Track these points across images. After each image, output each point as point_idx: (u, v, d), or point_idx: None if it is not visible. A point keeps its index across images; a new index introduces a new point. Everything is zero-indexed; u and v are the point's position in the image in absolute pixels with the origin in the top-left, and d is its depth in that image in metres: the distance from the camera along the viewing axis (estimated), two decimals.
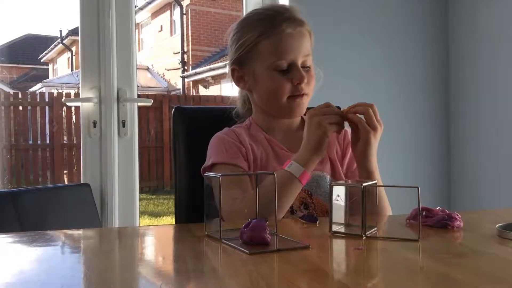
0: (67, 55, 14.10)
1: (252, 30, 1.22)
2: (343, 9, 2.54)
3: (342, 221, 0.91)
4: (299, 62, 1.21)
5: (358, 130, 1.11)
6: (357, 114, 1.11)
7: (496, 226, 0.85)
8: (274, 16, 1.22)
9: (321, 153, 1.09)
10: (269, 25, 1.21)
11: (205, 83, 12.44)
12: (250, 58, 1.24)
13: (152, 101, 2.42)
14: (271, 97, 1.23)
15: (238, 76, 1.28)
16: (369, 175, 1.12)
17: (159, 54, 13.95)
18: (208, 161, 1.20)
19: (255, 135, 1.27)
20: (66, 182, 6.58)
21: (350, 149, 1.30)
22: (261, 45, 1.21)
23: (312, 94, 1.27)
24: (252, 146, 1.24)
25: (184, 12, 12.96)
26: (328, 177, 1.25)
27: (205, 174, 0.89)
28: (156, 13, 14.22)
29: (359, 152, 1.12)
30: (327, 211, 1.20)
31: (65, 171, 6.75)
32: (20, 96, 7.07)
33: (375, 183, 0.90)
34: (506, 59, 2.45)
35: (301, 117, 1.35)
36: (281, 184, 1.01)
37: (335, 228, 0.87)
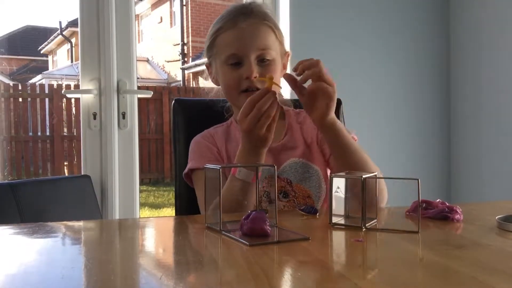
0: (66, 46, 14.07)
1: (214, 26, 1.26)
2: (343, 7, 2.53)
3: (342, 212, 0.91)
4: (252, 55, 1.19)
5: (311, 93, 1.03)
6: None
7: (496, 218, 0.85)
8: (232, 12, 1.24)
9: (263, 150, 1.07)
10: (226, 20, 1.23)
11: (205, 74, 12.40)
12: (213, 53, 1.27)
13: (152, 93, 2.42)
14: (227, 92, 1.26)
15: (209, 72, 1.32)
16: (336, 131, 1.07)
17: (159, 45, 13.91)
18: (187, 166, 1.25)
19: (233, 133, 1.29)
20: (66, 174, 6.59)
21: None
22: (218, 40, 1.24)
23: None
24: (226, 146, 1.26)
25: (184, 3, 12.91)
26: (309, 163, 1.25)
27: (205, 166, 0.88)
28: (156, 4, 14.16)
29: (321, 112, 1.04)
30: (309, 196, 1.21)
31: (65, 163, 6.76)
32: (20, 88, 7.06)
33: (375, 174, 0.90)
34: (507, 56, 2.44)
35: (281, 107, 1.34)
36: (237, 191, 1.04)
37: (335, 220, 0.87)
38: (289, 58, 1.33)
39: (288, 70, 1.32)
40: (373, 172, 1.09)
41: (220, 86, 1.29)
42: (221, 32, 1.23)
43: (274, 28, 1.24)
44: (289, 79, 1.05)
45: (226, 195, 1.02)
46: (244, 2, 1.30)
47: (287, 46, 1.33)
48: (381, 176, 1.12)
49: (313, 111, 1.06)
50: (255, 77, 1.19)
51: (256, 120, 1.00)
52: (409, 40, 2.68)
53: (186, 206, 1.34)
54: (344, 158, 1.10)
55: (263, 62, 1.21)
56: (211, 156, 1.24)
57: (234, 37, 1.21)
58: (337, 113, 1.53)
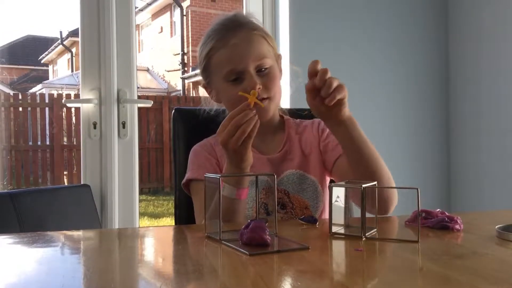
0: (67, 56, 14.10)
1: (205, 46, 1.25)
2: (342, 10, 2.54)
3: (342, 222, 0.92)
4: (251, 67, 1.19)
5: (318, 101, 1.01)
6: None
7: (496, 227, 0.85)
8: (220, 30, 1.24)
9: (243, 165, 1.04)
10: (217, 39, 1.23)
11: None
12: (209, 73, 1.27)
13: (152, 102, 2.43)
14: (232, 108, 1.24)
15: (208, 92, 1.32)
16: (354, 123, 1.07)
17: (159, 55, 13.95)
18: (186, 177, 1.25)
19: None
20: (66, 183, 6.58)
21: (326, 131, 1.29)
22: (213, 60, 1.24)
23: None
24: (223, 156, 1.25)
25: (184, 13, 12.97)
26: (307, 174, 1.25)
27: (205, 175, 0.89)
28: (156, 14, 14.23)
29: (340, 107, 1.03)
30: (307, 207, 1.22)
31: (65, 172, 6.75)
32: (20, 97, 7.08)
33: (375, 184, 0.90)
34: (507, 57, 2.45)
35: (281, 116, 1.35)
36: (224, 209, 0.99)
37: (334, 229, 0.87)
38: (281, 60, 1.32)
39: (286, 73, 1.32)
40: (385, 172, 1.12)
41: (222, 104, 1.29)
42: (214, 52, 1.23)
43: (265, 35, 1.25)
44: (311, 90, 1.01)
45: (214, 212, 1.02)
46: (226, 14, 1.29)
47: (286, 51, 1.34)
48: (389, 181, 1.12)
49: (331, 109, 1.02)
50: (259, 88, 1.18)
51: (231, 134, 1.00)
52: (407, 41, 2.69)
53: (185, 216, 1.34)
54: (361, 151, 1.08)
55: (262, 71, 1.21)
56: (209, 167, 1.24)
57: (229, 54, 1.20)
58: None
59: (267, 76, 1.21)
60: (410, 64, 2.70)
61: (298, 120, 1.37)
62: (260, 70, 1.21)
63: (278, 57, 1.30)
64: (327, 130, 1.29)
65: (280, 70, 1.31)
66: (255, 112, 1.01)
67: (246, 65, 1.19)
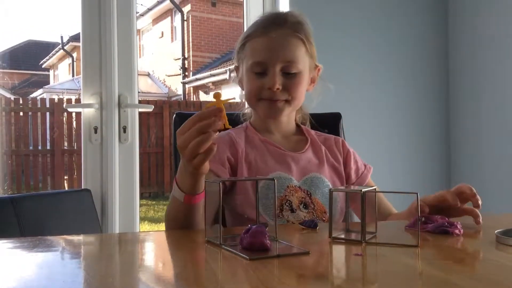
0: (68, 61, 14.13)
1: (246, 31, 1.27)
2: (342, 10, 2.55)
3: (342, 226, 0.92)
4: (277, 66, 1.20)
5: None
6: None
7: (495, 232, 0.85)
8: (266, 20, 1.25)
9: (195, 172, 0.92)
10: (257, 27, 1.24)
11: (206, 89, 12.46)
12: (241, 57, 1.28)
13: (153, 106, 2.43)
14: (248, 98, 1.26)
15: (236, 74, 1.33)
16: None
17: (160, 60, 13.98)
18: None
19: (251, 137, 1.28)
20: (66, 188, 6.58)
21: (352, 154, 1.34)
22: (246, 47, 1.25)
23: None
24: (247, 148, 1.25)
25: (185, 18, 13.00)
26: (326, 180, 1.26)
27: (205, 181, 0.89)
28: (157, 19, 14.26)
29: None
30: (325, 212, 1.21)
31: (65, 177, 6.75)
32: (21, 102, 7.07)
33: (375, 188, 0.90)
34: (507, 58, 2.45)
35: (298, 124, 1.37)
36: (175, 208, 0.99)
37: (335, 233, 0.87)
38: (319, 72, 1.33)
39: (319, 85, 1.34)
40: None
41: (243, 90, 1.30)
42: (250, 38, 1.24)
43: (306, 41, 1.23)
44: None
45: (170, 210, 1.01)
46: (277, 11, 1.30)
47: None
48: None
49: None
50: (277, 89, 1.19)
51: (193, 137, 0.87)
52: (407, 42, 2.69)
53: None
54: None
55: (289, 74, 1.21)
56: (220, 158, 1.19)
57: (262, 45, 1.21)
58: (337, 127, 1.54)
59: (291, 79, 1.21)
60: (410, 62, 2.70)
61: (319, 132, 1.39)
62: (286, 73, 1.21)
63: (315, 68, 1.30)
64: (352, 152, 1.34)
65: (313, 81, 1.31)
66: (215, 127, 0.87)
67: (273, 62, 1.19)
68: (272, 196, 1.13)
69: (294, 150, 1.29)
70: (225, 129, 0.87)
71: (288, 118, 1.32)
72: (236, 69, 1.34)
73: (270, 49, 1.20)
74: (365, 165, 1.36)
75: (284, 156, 1.25)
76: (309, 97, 1.34)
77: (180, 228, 1.00)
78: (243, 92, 1.30)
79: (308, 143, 1.32)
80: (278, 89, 1.19)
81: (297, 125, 1.37)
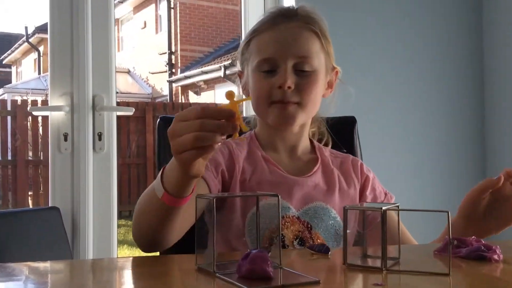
0: (33, 56, 14.20)
1: (251, 29, 1.27)
2: (346, 7, 2.57)
3: (359, 251, 0.91)
4: (289, 63, 1.19)
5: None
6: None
7: None
8: (274, 13, 1.25)
9: (191, 176, 0.88)
10: (264, 22, 1.24)
11: (196, 88, 12.51)
12: (245, 59, 1.28)
13: (134, 109, 2.43)
14: (256, 103, 1.24)
15: (240, 81, 1.33)
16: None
17: (142, 54, 14.04)
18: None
19: (253, 151, 1.27)
20: (31, 206, 6.58)
21: (371, 180, 1.32)
22: (252, 44, 1.25)
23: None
24: (245, 164, 1.23)
25: (172, 5, 13.08)
26: (333, 211, 1.24)
27: (197, 196, 0.88)
28: (138, 7, 14.34)
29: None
30: None
31: (29, 193, 6.75)
32: None
33: (398, 206, 0.90)
34: None
35: (311, 140, 1.35)
36: (149, 200, 0.98)
37: (350, 259, 0.87)
38: (337, 76, 1.32)
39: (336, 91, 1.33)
40: None
41: (250, 97, 1.27)
42: (256, 34, 1.24)
43: (321, 35, 1.23)
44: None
45: (143, 201, 1.01)
46: (288, 6, 1.30)
47: None
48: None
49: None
50: (289, 88, 1.17)
51: (188, 130, 0.81)
52: (439, 37, 2.72)
53: (173, 244, 1.33)
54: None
55: (302, 72, 1.20)
56: (212, 167, 1.18)
57: (270, 39, 1.21)
58: (351, 132, 1.54)
59: (305, 79, 1.20)
60: (441, 58, 2.72)
61: (335, 152, 1.36)
62: (299, 70, 1.20)
63: (333, 70, 1.30)
64: (371, 177, 1.32)
65: (330, 86, 1.30)
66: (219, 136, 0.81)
67: (284, 58, 1.19)
68: (262, 226, 1.11)
69: (300, 173, 1.26)
70: (242, 132, 0.86)
71: (300, 130, 1.28)
72: (240, 74, 1.33)
73: (280, 43, 1.20)
74: (385, 193, 1.33)
75: (285, 179, 1.23)
76: (324, 102, 1.32)
77: (147, 227, 0.99)
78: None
79: (317, 164, 1.29)
80: (289, 88, 1.17)
81: (310, 141, 1.35)
